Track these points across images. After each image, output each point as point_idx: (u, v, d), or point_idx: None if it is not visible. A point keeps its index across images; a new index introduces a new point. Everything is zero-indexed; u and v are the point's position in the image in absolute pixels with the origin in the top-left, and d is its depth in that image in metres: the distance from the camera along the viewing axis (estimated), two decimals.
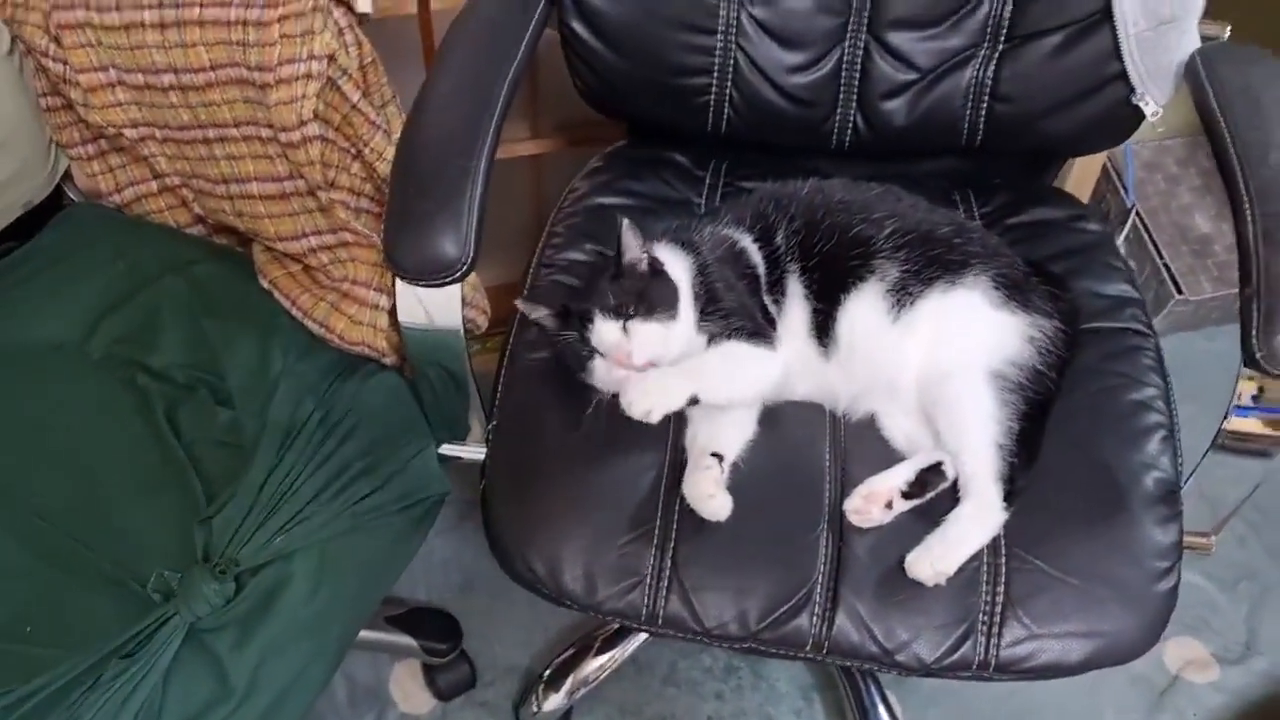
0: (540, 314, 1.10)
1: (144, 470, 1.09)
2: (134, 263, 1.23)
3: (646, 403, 1.01)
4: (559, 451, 1.06)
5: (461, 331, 1.04)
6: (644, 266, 1.05)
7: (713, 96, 1.27)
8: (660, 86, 1.26)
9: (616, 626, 1.46)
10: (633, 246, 1.05)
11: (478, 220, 0.98)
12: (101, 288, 1.22)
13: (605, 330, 1.03)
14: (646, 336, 1.03)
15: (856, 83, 1.25)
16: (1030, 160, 1.36)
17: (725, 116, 1.28)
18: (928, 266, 1.08)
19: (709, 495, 1.01)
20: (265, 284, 1.20)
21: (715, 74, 1.25)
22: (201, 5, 1.08)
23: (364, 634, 1.43)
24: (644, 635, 1.47)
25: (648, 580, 1.01)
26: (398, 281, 1.01)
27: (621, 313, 1.03)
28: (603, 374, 1.05)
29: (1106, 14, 1.15)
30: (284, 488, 1.06)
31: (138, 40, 1.11)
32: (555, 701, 1.40)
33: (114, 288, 1.22)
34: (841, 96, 1.26)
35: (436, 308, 1.03)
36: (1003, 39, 1.20)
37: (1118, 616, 0.99)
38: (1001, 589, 1.00)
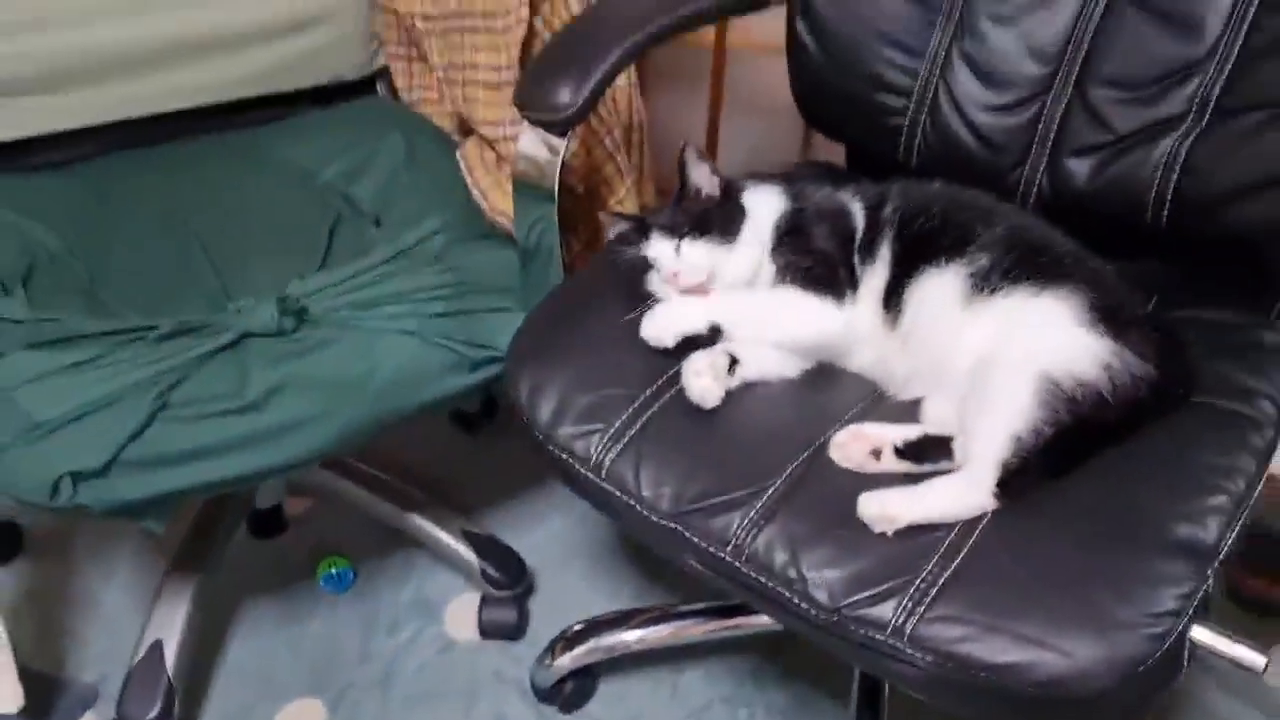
0: (619, 227, 1.16)
1: (291, 244, 1.29)
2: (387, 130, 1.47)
3: (657, 324, 1.04)
4: (601, 316, 1.11)
5: (555, 193, 1.14)
6: (712, 190, 1.10)
7: (907, 120, 1.29)
8: (860, 99, 1.31)
9: (658, 613, 1.42)
10: (698, 170, 1.09)
11: (595, 85, 1.11)
12: (351, 141, 1.46)
13: (659, 246, 1.08)
14: (695, 257, 1.06)
15: (1052, 135, 1.23)
16: (1247, 279, 1.22)
17: (916, 146, 1.30)
18: (1022, 265, 1.03)
19: (698, 374, 1.01)
20: (458, 156, 1.37)
21: (914, 98, 1.28)
22: None
23: (437, 534, 1.50)
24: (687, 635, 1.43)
25: (610, 431, 1.01)
26: (522, 126, 1.14)
27: (676, 232, 1.07)
28: (656, 287, 1.09)
29: None
30: (376, 278, 1.20)
31: None
32: (568, 659, 1.36)
33: (361, 144, 1.45)
34: (1035, 148, 1.24)
35: (544, 160, 1.14)
36: (1208, 114, 1.14)
37: (1074, 637, 0.84)
38: (953, 566, 0.89)
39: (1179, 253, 1.20)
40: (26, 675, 1.24)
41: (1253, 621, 1.44)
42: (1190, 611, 0.86)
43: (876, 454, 0.97)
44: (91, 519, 1.06)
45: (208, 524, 1.47)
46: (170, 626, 1.33)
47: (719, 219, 1.07)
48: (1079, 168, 1.21)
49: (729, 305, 1.06)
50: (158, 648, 1.32)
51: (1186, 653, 0.87)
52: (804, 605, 0.90)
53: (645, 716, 1.41)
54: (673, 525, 0.97)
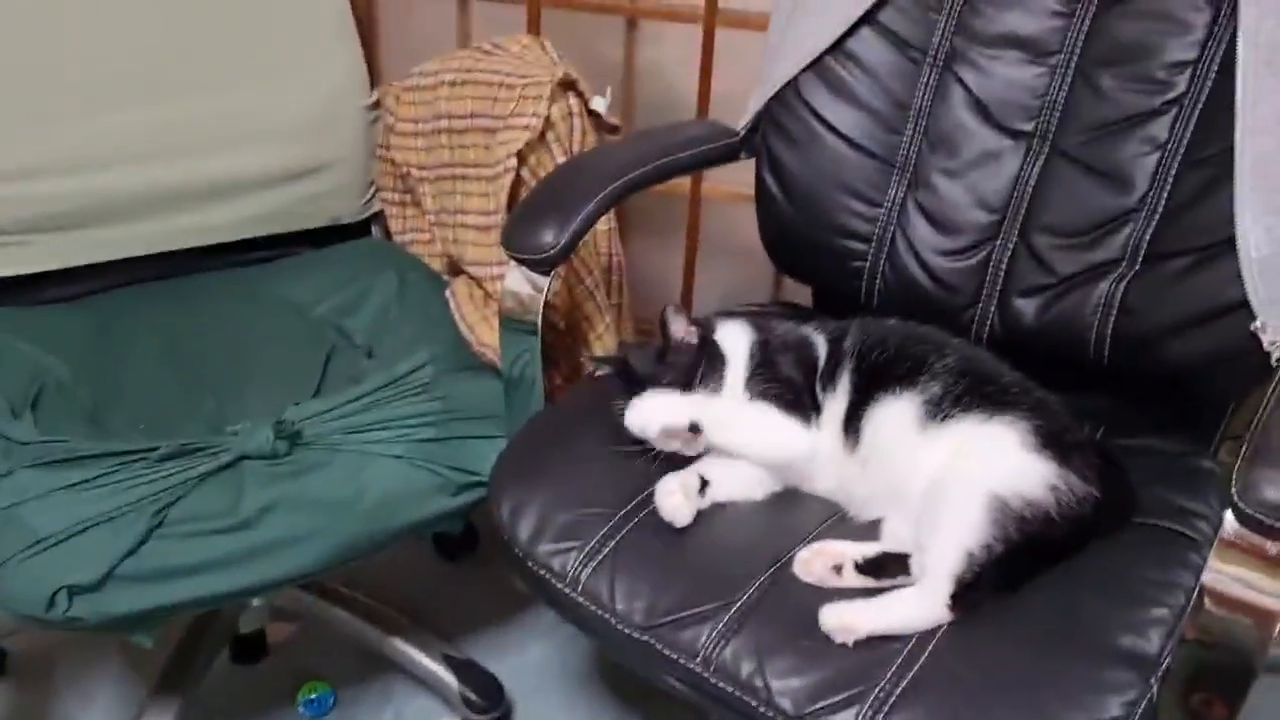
0: (604, 371, 1.24)
1: (287, 373, 1.36)
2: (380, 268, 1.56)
3: (643, 415, 1.11)
4: (579, 442, 1.18)
5: (539, 328, 1.22)
6: (691, 339, 1.17)
7: (867, 264, 1.39)
8: (824, 244, 1.41)
9: None
10: (676, 323, 1.16)
11: (577, 228, 1.20)
12: (347, 278, 1.55)
13: None
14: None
15: (1001, 277, 1.32)
16: (1188, 411, 1.31)
17: (876, 287, 1.40)
18: (971, 394, 1.10)
19: (670, 493, 1.07)
20: (447, 293, 1.46)
21: (873, 243, 1.38)
22: (479, 70, 1.44)
23: (418, 658, 1.53)
24: None
25: (586, 548, 1.07)
26: (509, 265, 1.23)
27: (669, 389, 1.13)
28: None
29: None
30: (367, 405, 1.27)
31: (433, 95, 1.49)
32: None
33: (356, 281, 1.54)
34: (985, 289, 1.34)
35: (528, 297, 1.22)
36: (1140, 259, 1.24)
37: None
38: (910, 674, 0.94)
39: (1122, 386, 1.28)
40: None
41: None
42: (1136, 718, 0.90)
43: (838, 570, 1.03)
44: (84, 632, 1.10)
45: (190, 649, 1.49)
46: None
47: (705, 372, 1.14)
48: (1026, 307, 1.30)
49: (708, 407, 1.12)
50: None
51: None
52: (769, 713, 0.95)
53: None
54: (644, 638, 1.01)
